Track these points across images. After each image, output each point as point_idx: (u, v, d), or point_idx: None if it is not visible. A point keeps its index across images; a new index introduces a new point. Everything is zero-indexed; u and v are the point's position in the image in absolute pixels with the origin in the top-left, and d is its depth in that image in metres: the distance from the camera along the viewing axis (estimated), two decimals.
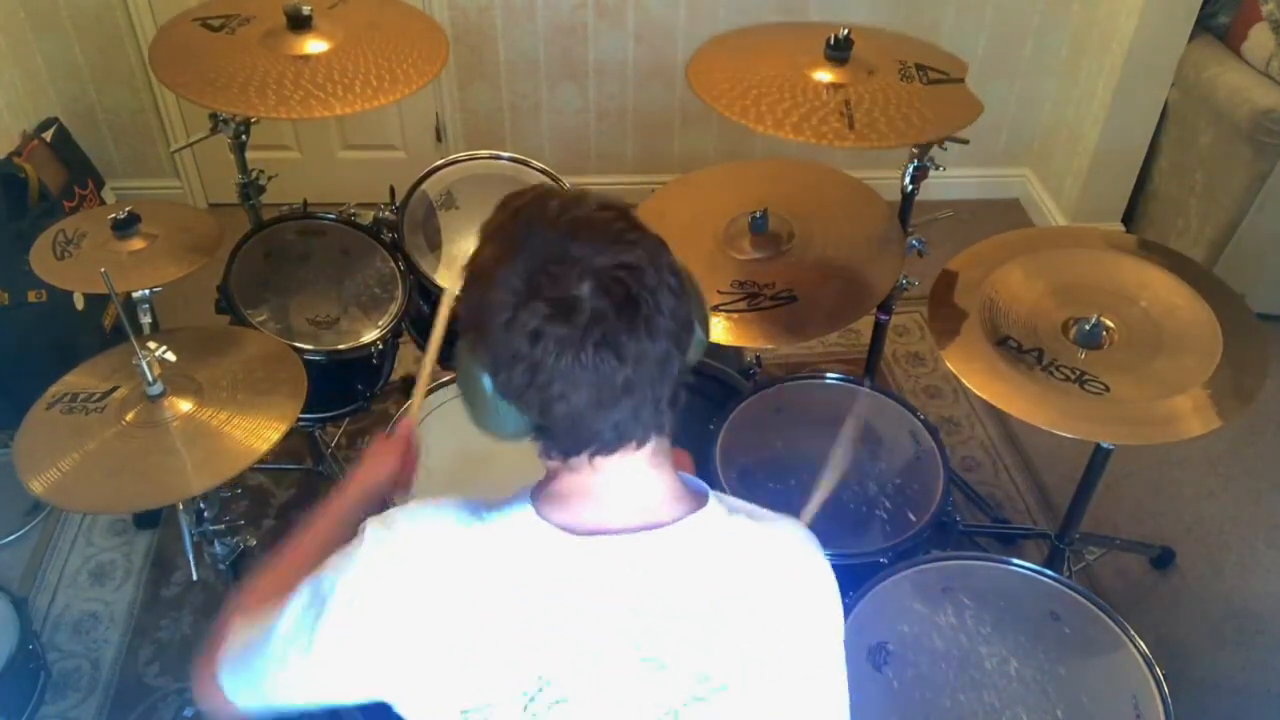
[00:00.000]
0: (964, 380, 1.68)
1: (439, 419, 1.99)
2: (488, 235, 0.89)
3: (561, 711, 0.88)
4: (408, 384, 2.63)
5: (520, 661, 0.89)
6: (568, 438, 0.89)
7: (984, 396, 1.66)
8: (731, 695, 0.90)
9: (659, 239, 0.88)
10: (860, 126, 1.74)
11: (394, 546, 0.93)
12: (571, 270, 0.82)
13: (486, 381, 0.89)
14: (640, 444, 0.90)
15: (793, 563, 0.97)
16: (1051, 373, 1.68)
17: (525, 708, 0.88)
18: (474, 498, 0.97)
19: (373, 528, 0.95)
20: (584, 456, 0.90)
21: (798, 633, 0.94)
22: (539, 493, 0.95)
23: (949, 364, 1.71)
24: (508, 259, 0.84)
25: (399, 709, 0.92)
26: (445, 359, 2.22)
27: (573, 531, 0.90)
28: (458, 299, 0.90)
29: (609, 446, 0.89)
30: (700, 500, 0.95)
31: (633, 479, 0.92)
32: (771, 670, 0.92)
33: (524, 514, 0.92)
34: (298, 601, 0.94)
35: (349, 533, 1.09)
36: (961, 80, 1.91)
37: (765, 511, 1.00)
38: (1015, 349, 1.72)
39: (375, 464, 1.27)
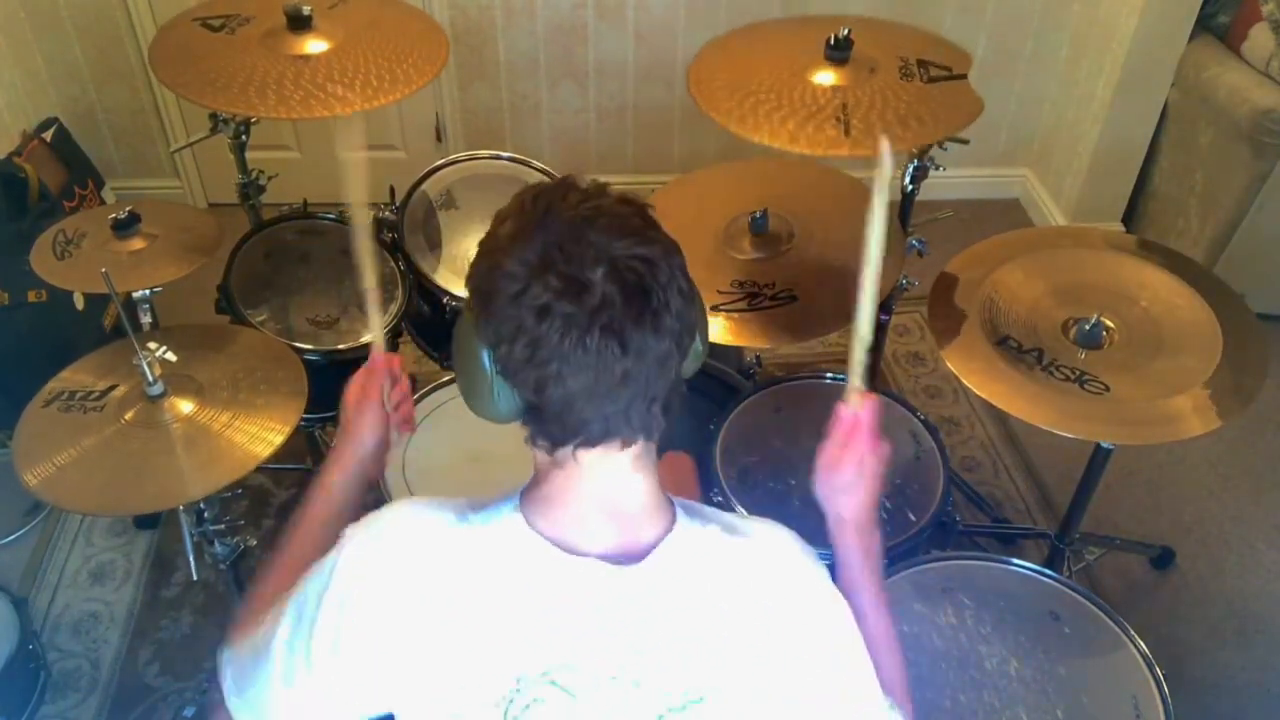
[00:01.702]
0: (964, 380, 1.68)
1: (439, 419, 1.99)
2: (504, 216, 0.89)
3: (537, 713, 0.88)
4: None
5: (498, 665, 0.89)
6: (556, 423, 0.88)
7: (983, 395, 1.66)
8: (708, 706, 0.90)
9: (674, 241, 0.89)
10: (856, 133, 1.73)
11: (378, 552, 0.92)
12: (587, 252, 0.83)
13: (485, 356, 0.88)
14: (625, 444, 0.90)
15: (771, 572, 0.96)
16: (1051, 373, 1.68)
17: (505, 713, 0.88)
18: (469, 496, 0.97)
19: (354, 535, 0.94)
20: (569, 448, 0.89)
21: (781, 639, 0.93)
22: (528, 495, 0.95)
23: (949, 363, 1.71)
24: (524, 236, 0.85)
25: (398, 716, 0.92)
26: (442, 354, 2.23)
27: (557, 546, 0.90)
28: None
29: (594, 439, 0.89)
30: (672, 514, 0.94)
31: (615, 481, 0.92)
32: (751, 679, 0.91)
33: (513, 520, 0.92)
34: (285, 621, 0.93)
35: (343, 517, 1.07)
36: (964, 76, 1.90)
37: (740, 520, 0.99)
38: (1015, 349, 1.72)
39: (356, 425, 1.19)
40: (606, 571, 0.90)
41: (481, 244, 0.89)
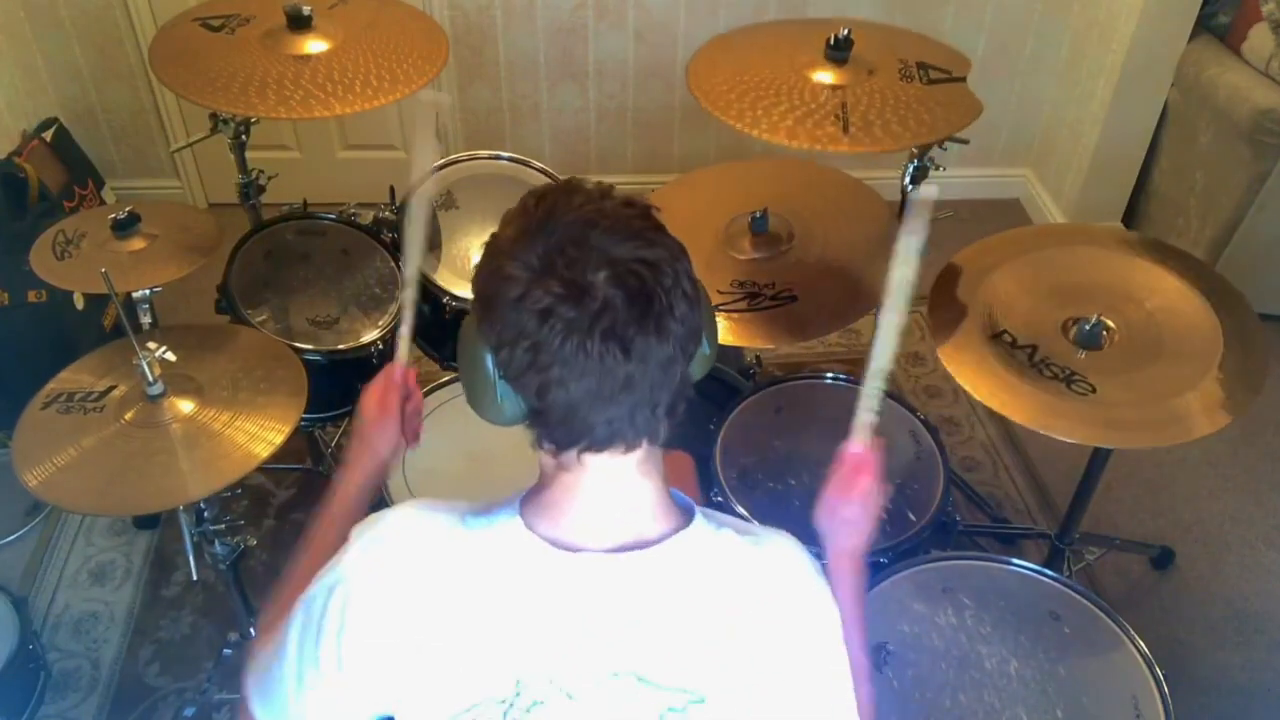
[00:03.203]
0: (952, 373, 1.69)
1: (439, 419, 1.99)
2: (509, 219, 0.89)
3: (538, 715, 0.88)
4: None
5: (499, 667, 0.88)
6: (560, 428, 0.88)
7: (970, 390, 1.66)
8: (708, 708, 0.89)
9: (680, 243, 0.88)
10: (855, 130, 1.74)
11: (381, 554, 0.92)
12: (589, 256, 0.82)
13: (488, 360, 0.88)
14: (630, 448, 0.90)
15: (779, 579, 0.95)
16: (1041, 370, 1.68)
17: (505, 714, 0.88)
18: (474, 498, 0.97)
19: (357, 538, 0.94)
20: (574, 452, 0.89)
21: (784, 646, 0.93)
22: (529, 500, 0.95)
23: (940, 355, 1.71)
24: (526, 238, 0.84)
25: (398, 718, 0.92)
26: (445, 356, 2.24)
27: (557, 546, 0.90)
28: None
29: (600, 443, 0.88)
30: (687, 517, 0.94)
31: (621, 484, 0.92)
32: (754, 683, 0.91)
33: (511, 524, 0.92)
34: (296, 622, 0.94)
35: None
36: (963, 79, 1.90)
37: (754, 526, 0.99)
38: (1009, 344, 1.72)
39: (373, 438, 1.22)
40: (607, 561, 0.89)
41: (486, 247, 0.89)
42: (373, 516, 0.96)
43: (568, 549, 0.90)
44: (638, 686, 0.88)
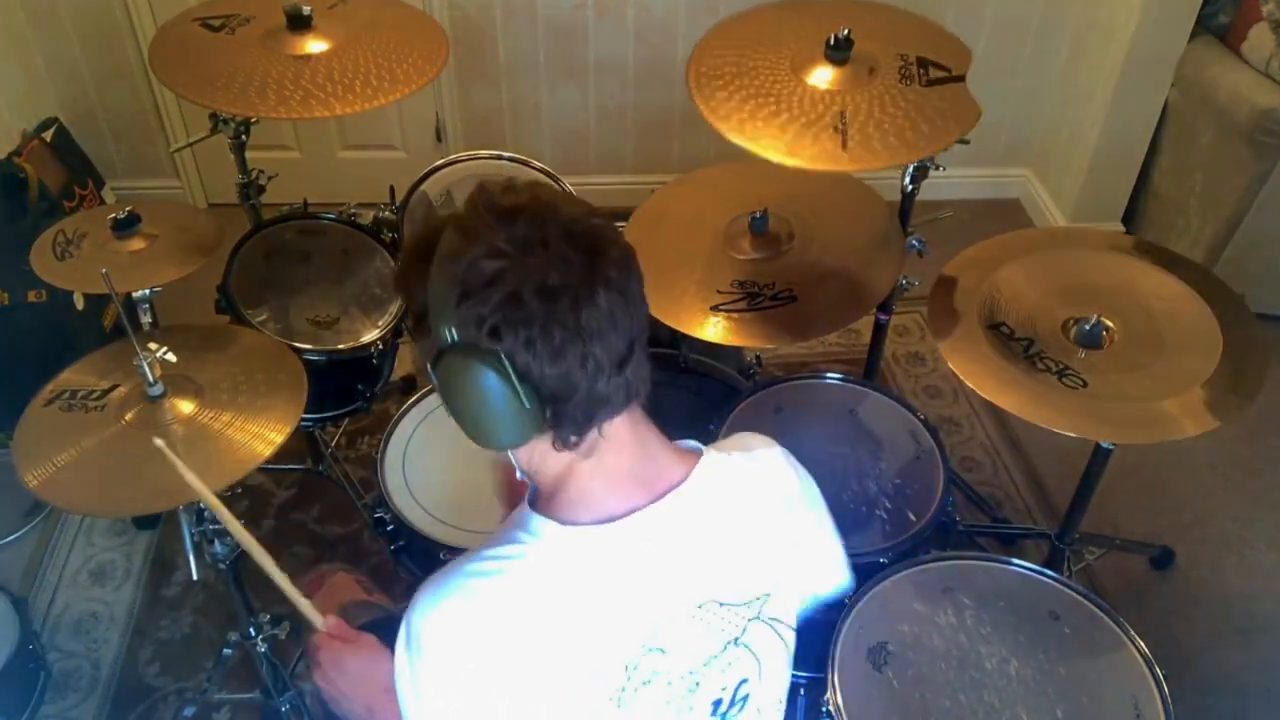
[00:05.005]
0: (946, 358, 1.71)
1: (439, 419, 1.99)
2: (455, 238, 0.90)
3: (651, 686, 0.94)
4: (408, 384, 2.64)
5: (604, 667, 0.92)
6: (592, 400, 0.90)
7: (960, 374, 1.68)
8: (775, 600, 1.03)
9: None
10: (854, 146, 1.72)
11: (442, 655, 0.92)
12: (548, 231, 0.86)
13: (492, 378, 0.86)
14: (638, 397, 0.95)
15: (778, 477, 1.09)
16: (1034, 363, 1.70)
17: (620, 703, 0.93)
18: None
19: (403, 657, 0.93)
20: (594, 431, 0.92)
21: (798, 526, 1.08)
22: (546, 506, 0.96)
23: (934, 339, 1.72)
24: (490, 247, 0.86)
25: None
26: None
27: (601, 523, 0.93)
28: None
29: (622, 401, 0.92)
30: (696, 453, 1.03)
31: (637, 437, 0.96)
32: (793, 563, 1.06)
33: (554, 531, 0.93)
34: None
35: None
36: (962, 78, 1.89)
37: (744, 440, 1.11)
38: (1006, 335, 1.74)
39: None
40: (651, 513, 0.95)
41: (449, 275, 0.88)
42: (406, 627, 0.94)
43: (612, 520, 0.94)
44: (720, 610, 0.98)
